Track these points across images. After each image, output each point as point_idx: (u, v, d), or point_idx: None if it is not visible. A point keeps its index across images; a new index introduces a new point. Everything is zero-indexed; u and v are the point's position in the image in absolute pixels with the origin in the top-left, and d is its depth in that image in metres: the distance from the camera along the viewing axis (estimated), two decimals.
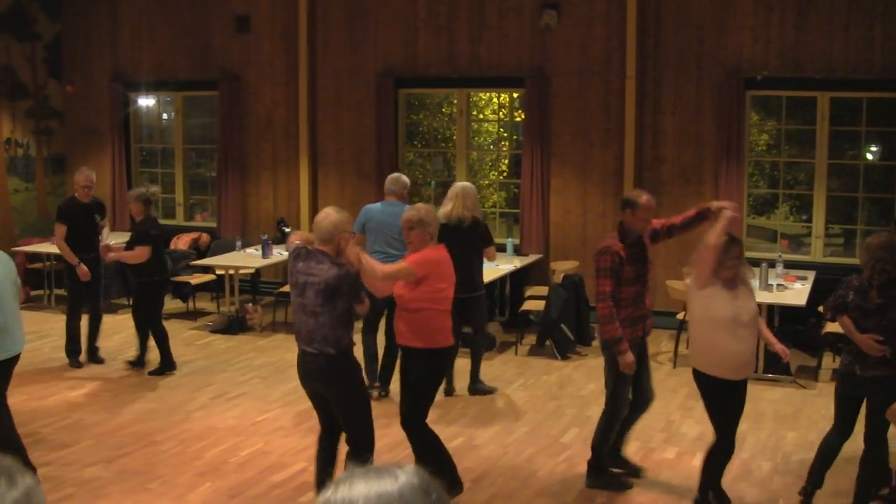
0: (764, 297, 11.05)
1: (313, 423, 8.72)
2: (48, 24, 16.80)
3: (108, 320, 14.00)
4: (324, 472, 7.21)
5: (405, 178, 11.04)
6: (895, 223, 12.62)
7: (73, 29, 16.97)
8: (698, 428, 9.39)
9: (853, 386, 7.38)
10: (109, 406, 10.22)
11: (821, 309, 9.12)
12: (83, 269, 11.52)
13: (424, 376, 7.63)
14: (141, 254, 11.22)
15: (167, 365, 11.52)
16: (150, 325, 11.56)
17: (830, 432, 7.70)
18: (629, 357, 7.70)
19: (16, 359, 7.90)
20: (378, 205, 10.86)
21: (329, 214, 7.07)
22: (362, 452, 6.96)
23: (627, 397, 8.04)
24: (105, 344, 12.39)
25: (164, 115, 17.48)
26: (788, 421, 9.73)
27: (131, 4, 16.46)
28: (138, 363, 11.64)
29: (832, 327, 10.10)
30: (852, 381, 7.37)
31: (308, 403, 10.11)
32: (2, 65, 16.05)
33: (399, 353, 8.03)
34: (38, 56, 16.71)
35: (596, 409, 8.64)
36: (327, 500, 2.16)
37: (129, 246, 11.40)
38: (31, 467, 8.10)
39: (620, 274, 7.72)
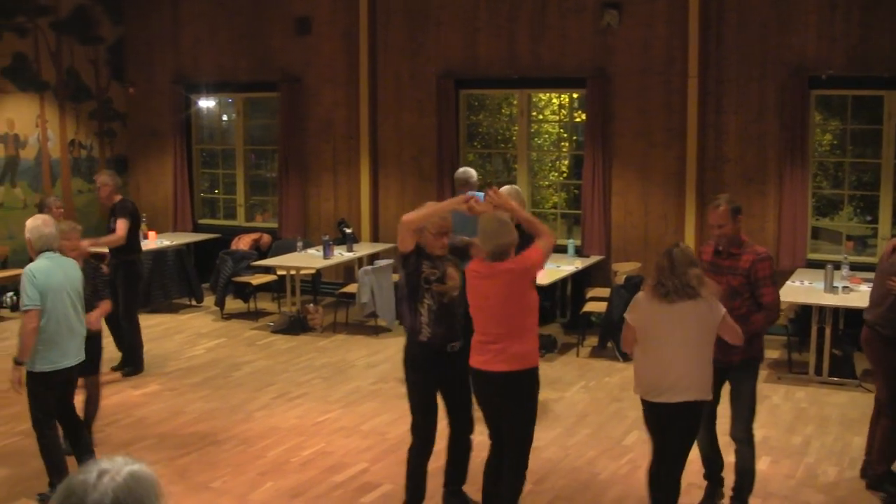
0: (829, 299, 10.92)
1: (375, 423, 8.77)
2: (111, 27, 16.96)
3: (168, 320, 14.13)
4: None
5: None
6: None
7: (135, 31, 17.11)
8: (762, 431, 9.29)
9: None
10: (171, 405, 10.28)
11: None
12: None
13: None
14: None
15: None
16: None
17: None
18: None
19: (64, 373, 7.73)
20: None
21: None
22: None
23: None
24: (167, 345, 12.49)
25: (225, 117, 17.57)
26: (854, 425, 9.56)
27: (193, 7, 16.57)
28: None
29: None
30: None
31: (368, 403, 10.15)
32: (66, 67, 16.23)
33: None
34: (101, 58, 16.87)
35: None
36: None
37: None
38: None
39: None
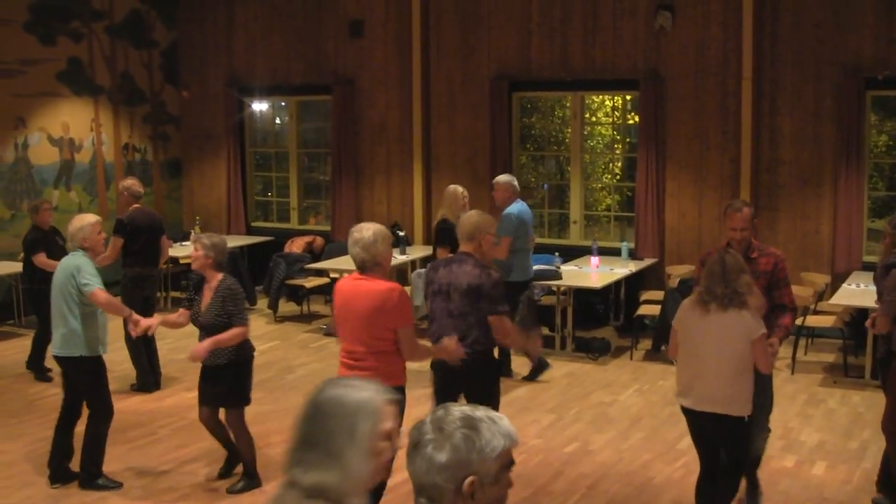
0: None
1: None
2: (165, 31, 17.09)
3: None
4: None
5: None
6: None
7: (189, 35, 17.23)
8: (818, 436, 9.23)
9: None
10: None
11: None
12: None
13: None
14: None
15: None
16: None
17: None
18: None
19: (58, 360, 8.33)
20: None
21: (472, 216, 7.35)
22: None
23: None
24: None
25: (278, 120, 17.65)
26: None
27: (246, 11, 16.66)
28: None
29: None
30: None
31: (421, 407, 10.13)
32: (120, 71, 16.37)
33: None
34: (155, 62, 17.01)
35: None
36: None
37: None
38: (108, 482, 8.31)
39: None
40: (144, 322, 8.32)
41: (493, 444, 2.89)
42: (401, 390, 6.74)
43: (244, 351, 8.15)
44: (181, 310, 8.33)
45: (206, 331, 7.94)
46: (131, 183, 11.81)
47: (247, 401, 8.27)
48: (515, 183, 11.56)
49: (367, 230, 6.71)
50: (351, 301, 6.76)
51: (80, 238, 8.20)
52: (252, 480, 8.24)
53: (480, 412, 2.95)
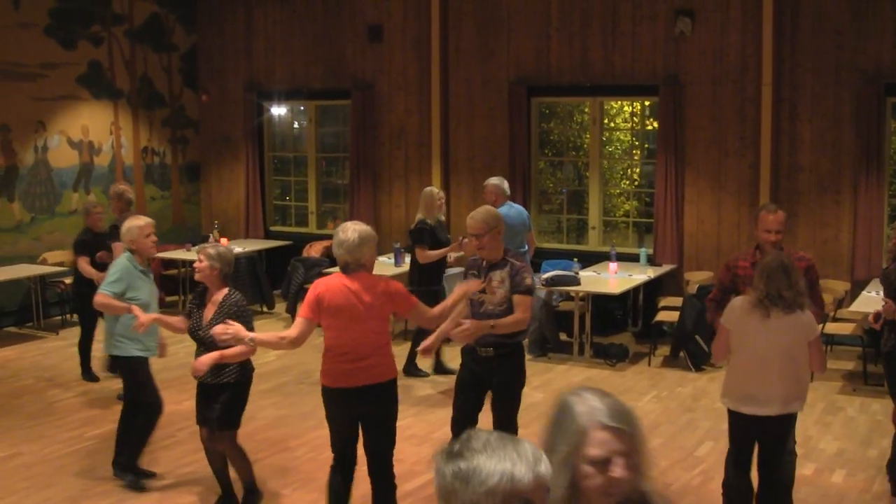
0: None
1: (446, 431, 8.73)
2: (184, 35, 17.14)
3: None
4: None
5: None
6: None
7: (208, 39, 17.28)
8: (836, 444, 9.20)
9: None
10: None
11: None
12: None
13: None
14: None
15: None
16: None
17: None
18: None
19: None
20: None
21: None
22: None
23: None
24: None
25: (296, 124, 17.67)
26: None
27: (265, 15, 16.70)
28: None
29: None
30: None
31: (439, 411, 10.12)
32: (140, 75, 16.42)
33: None
34: (175, 66, 17.06)
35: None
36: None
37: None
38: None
39: None
40: (144, 317, 8.09)
41: (483, 476, 2.51)
42: (394, 382, 6.91)
43: (247, 371, 7.70)
44: (181, 317, 8.03)
45: (206, 346, 7.48)
46: (124, 189, 11.94)
47: (237, 424, 7.76)
48: (505, 186, 11.96)
49: (351, 231, 6.69)
50: (348, 300, 6.68)
51: (127, 240, 8.37)
52: (254, 495, 7.99)
53: (502, 441, 2.59)
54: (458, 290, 7.26)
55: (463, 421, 7.36)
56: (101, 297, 8.18)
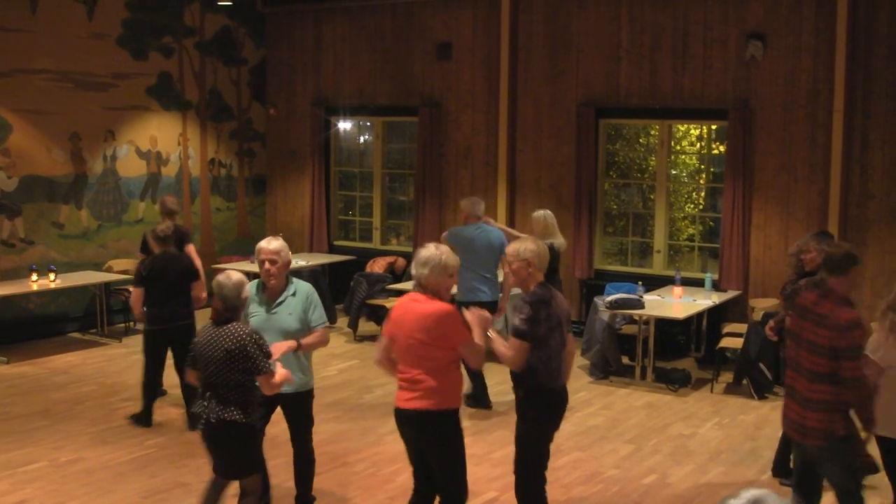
0: None
1: (506, 451, 8.69)
2: (253, 48, 17.27)
3: None
4: None
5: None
6: None
7: (277, 54, 17.39)
8: None
9: None
10: None
11: None
12: None
13: None
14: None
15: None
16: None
17: None
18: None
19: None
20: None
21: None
22: None
23: None
24: None
25: (362, 139, 17.71)
26: None
27: (334, 31, 16.77)
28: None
29: None
30: None
31: (500, 431, 10.08)
32: (209, 87, 16.55)
33: None
34: (244, 79, 17.18)
35: None
36: None
37: None
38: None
39: None
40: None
41: None
42: (456, 412, 6.77)
43: (252, 414, 6.91)
44: None
45: None
46: (163, 199, 12.35)
47: (261, 469, 7.29)
48: (477, 207, 11.48)
49: (445, 253, 6.68)
50: (404, 323, 6.68)
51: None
52: None
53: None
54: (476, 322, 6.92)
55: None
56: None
